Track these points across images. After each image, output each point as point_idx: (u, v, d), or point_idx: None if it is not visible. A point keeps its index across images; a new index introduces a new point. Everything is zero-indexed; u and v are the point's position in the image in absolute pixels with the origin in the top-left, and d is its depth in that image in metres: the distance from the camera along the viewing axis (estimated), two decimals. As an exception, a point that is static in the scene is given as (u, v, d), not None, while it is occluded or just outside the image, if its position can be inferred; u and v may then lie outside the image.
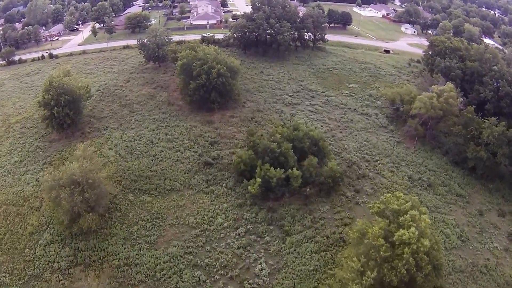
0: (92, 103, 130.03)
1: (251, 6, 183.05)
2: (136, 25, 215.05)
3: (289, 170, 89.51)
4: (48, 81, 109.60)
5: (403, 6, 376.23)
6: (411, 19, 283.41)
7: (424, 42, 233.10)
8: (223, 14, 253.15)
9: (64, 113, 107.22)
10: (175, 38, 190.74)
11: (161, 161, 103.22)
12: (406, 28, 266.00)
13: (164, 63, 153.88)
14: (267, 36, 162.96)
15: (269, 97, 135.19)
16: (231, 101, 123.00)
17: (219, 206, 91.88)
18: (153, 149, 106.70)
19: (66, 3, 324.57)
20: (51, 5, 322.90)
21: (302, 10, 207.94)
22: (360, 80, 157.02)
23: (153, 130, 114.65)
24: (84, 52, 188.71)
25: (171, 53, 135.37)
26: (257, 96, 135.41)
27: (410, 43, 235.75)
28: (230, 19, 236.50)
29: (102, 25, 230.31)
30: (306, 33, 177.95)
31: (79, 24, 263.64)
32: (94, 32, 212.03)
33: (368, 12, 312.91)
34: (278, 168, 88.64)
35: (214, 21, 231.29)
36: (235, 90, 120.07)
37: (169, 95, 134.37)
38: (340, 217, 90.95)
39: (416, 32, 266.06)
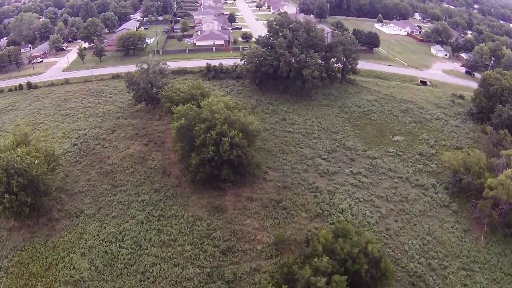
0: (66, 165, 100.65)
1: (267, 28, 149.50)
2: (130, 47, 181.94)
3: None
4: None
5: (424, 20, 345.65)
6: (440, 39, 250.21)
7: (459, 67, 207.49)
8: (231, 32, 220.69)
9: (19, 201, 74.98)
10: (175, 64, 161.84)
11: (153, 282, 70.34)
12: (437, 51, 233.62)
13: (159, 105, 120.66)
14: (290, 71, 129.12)
15: (297, 162, 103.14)
16: (248, 175, 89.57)
17: None
18: (142, 260, 74.75)
19: (59, 14, 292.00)
20: (40, 19, 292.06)
21: (325, 32, 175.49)
22: (404, 129, 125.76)
23: (142, 222, 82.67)
24: (67, 82, 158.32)
25: (166, 101, 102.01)
26: (281, 160, 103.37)
27: (445, 70, 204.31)
28: (240, 39, 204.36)
29: (92, 44, 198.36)
30: (335, 64, 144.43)
31: (70, 41, 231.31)
32: (81, 55, 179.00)
33: (391, 29, 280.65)
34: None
35: (221, 42, 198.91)
36: (254, 162, 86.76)
37: (164, 157, 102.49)
38: None
39: (448, 55, 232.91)
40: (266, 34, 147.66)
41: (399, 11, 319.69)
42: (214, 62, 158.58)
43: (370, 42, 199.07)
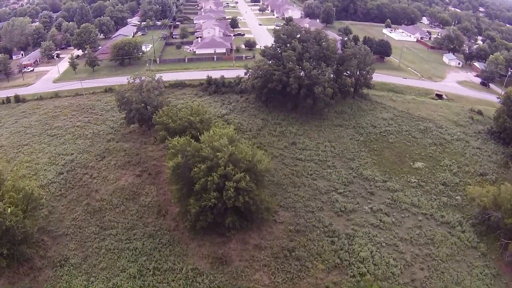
0: (50, 199, 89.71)
1: (273, 38, 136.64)
2: (125, 56, 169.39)
3: None
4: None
5: (432, 25, 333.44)
6: (452, 46, 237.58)
7: (473, 77, 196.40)
8: (233, 38, 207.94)
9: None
10: (173, 75, 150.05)
11: None
12: (450, 60, 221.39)
13: (154, 127, 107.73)
14: (300, 87, 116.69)
15: (310, 198, 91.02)
16: (256, 219, 77.14)
17: None
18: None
19: (54, 18, 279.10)
20: (35, 22, 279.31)
21: (333, 38, 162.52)
22: (425, 153, 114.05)
23: (135, 277, 70.81)
24: (56, 95, 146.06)
25: (160, 129, 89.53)
26: (293, 195, 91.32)
27: (460, 81, 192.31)
28: (243, 46, 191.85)
29: (85, 52, 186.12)
30: (348, 78, 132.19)
31: (63, 48, 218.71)
32: (73, 65, 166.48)
33: (400, 35, 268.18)
34: None
35: (223, 50, 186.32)
36: (263, 207, 74.20)
37: (159, 192, 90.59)
38: None
39: (461, 63, 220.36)
40: (272, 44, 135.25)
41: (407, 15, 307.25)
42: (215, 74, 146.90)
43: (382, 51, 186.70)
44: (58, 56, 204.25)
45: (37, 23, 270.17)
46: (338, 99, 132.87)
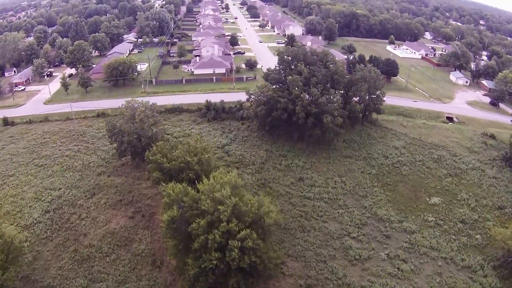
0: (35, 242, 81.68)
1: (277, 60, 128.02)
2: (119, 77, 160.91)
3: None
4: None
5: (435, 41, 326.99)
6: (459, 63, 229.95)
7: (481, 97, 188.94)
8: (233, 57, 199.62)
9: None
10: (170, 98, 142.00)
11: None
12: (458, 78, 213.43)
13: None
14: (307, 116, 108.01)
15: (321, 244, 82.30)
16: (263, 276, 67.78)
17: None
18: None
19: (49, 33, 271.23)
20: (29, 37, 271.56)
21: (339, 58, 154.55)
22: (440, 186, 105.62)
23: None
24: (46, 119, 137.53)
25: (153, 169, 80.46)
26: (302, 242, 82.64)
27: (469, 101, 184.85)
28: (243, 66, 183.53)
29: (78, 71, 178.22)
30: (357, 103, 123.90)
31: (57, 66, 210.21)
32: (64, 85, 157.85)
33: (405, 52, 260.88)
34: None
35: (222, 70, 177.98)
36: (271, 264, 64.81)
37: (154, 239, 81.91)
38: None
39: (468, 82, 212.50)
40: (276, 67, 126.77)
41: (411, 31, 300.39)
42: (214, 97, 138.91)
43: (388, 71, 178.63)
44: (51, 74, 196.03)
45: (31, 38, 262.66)
46: (346, 125, 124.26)
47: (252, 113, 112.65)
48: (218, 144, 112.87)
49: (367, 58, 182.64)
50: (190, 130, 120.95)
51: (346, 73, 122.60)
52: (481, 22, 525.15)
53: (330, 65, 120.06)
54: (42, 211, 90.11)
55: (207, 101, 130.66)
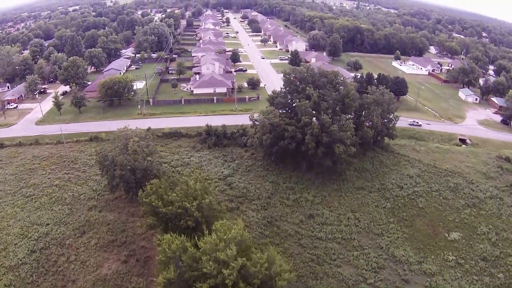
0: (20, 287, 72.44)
1: (283, 82, 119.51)
2: (114, 97, 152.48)
3: None
4: None
5: (440, 55, 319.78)
6: (467, 79, 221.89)
7: (492, 115, 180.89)
8: (234, 74, 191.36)
9: None
10: (167, 121, 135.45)
11: None
12: (467, 95, 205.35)
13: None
14: (317, 145, 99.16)
15: (336, 296, 72.10)
16: None
17: None
18: None
19: (45, 46, 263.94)
20: (25, 51, 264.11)
21: (346, 77, 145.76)
22: (459, 219, 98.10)
23: None
24: (37, 142, 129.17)
25: (147, 213, 71.54)
26: (315, 294, 72.32)
27: (480, 120, 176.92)
28: (245, 84, 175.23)
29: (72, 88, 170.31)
30: (369, 127, 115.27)
31: (51, 82, 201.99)
32: (57, 104, 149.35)
33: (411, 68, 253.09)
34: None
35: (223, 89, 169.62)
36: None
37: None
38: None
39: (478, 99, 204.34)
40: (281, 89, 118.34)
41: (416, 45, 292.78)
42: (215, 120, 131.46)
43: (397, 90, 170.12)
44: (44, 91, 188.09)
45: (26, 52, 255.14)
46: (358, 152, 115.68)
47: (257, 142, 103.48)
48: (220, 175, 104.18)
49: (374, 75, 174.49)
50: (189, 158, 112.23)
51: (358, 95, 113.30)
52: (484, 34, 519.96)
53: (340, 87, 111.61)
54: (28, 251, 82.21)
55: (207, 125, 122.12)
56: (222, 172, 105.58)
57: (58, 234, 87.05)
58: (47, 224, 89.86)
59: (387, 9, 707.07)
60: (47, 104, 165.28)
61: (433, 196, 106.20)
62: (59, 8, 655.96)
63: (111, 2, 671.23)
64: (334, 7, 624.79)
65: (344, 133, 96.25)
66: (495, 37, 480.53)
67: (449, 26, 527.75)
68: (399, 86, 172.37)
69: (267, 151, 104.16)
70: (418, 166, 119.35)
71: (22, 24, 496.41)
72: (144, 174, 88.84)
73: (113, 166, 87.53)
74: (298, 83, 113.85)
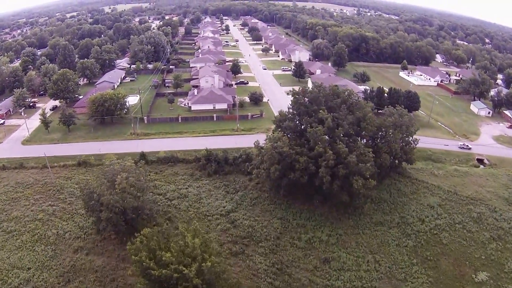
0: None
1: (291, 102, 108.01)
2: (105, 115, 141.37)
3: None
4: None
5: (447, 64, 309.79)
6: (479, 90, 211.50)
7: (506, 129, 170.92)
8: (235, 88, 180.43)
9: None
10: (163, 143, 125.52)
11: None
12: (480, 109, 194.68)
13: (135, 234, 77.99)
14: (333, 178, 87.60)
15: None
16: None
17: None
18: None
19: (38, 56, 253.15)
20: (17, 60, 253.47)
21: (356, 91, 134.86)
22: (485, 256, 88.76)
23: None
24: (22, 166, 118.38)
25: (138, 271, 60.32)
26: None
27: (495, 136, 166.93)
28: (247, 99, 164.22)
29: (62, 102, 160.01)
30: (387, 153, 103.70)
31: (42, 95, 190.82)
32: (44, 122, 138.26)
33: (419, 78, 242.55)
34: None
35: (224, 105, 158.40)
36: None
37: None
38: None
39: (490, 112, 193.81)
40: (289, 110, 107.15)
41: (422, 54, 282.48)
42: (216, 141, 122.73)
43: (410, 105, 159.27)
44: (34, 105, 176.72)
45: (17, 63, 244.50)
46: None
47: (264, 174, 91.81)
48: (221, 210, 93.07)
49: (385, 89, 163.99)
50: (186, 189, 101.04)
51: (375, 118, 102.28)
52: (486, 40, 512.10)
53: (357, 111, 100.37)
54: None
55: (206, 149, 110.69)
56: (224, 207, 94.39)
57: (40, 281, 77.11)
58: (29, 269, 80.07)
59: (388, 15, 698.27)
60: (35, 121, 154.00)
61: (457, 230, 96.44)
62: (57, 14, 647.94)
63: (110, 8, 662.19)
64: (335, 14, 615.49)
65: (363, 165, 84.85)
66: (499, 44, 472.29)
67: (452, 33, 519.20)
68: (411, 101, 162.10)
69: (275, 183, 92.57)
70: (438, 194, 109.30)
71: (19, 31, 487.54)
72: (135, 214, 77.58)
73: (99, 206, 76.16)
74: (308, 102, 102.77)
